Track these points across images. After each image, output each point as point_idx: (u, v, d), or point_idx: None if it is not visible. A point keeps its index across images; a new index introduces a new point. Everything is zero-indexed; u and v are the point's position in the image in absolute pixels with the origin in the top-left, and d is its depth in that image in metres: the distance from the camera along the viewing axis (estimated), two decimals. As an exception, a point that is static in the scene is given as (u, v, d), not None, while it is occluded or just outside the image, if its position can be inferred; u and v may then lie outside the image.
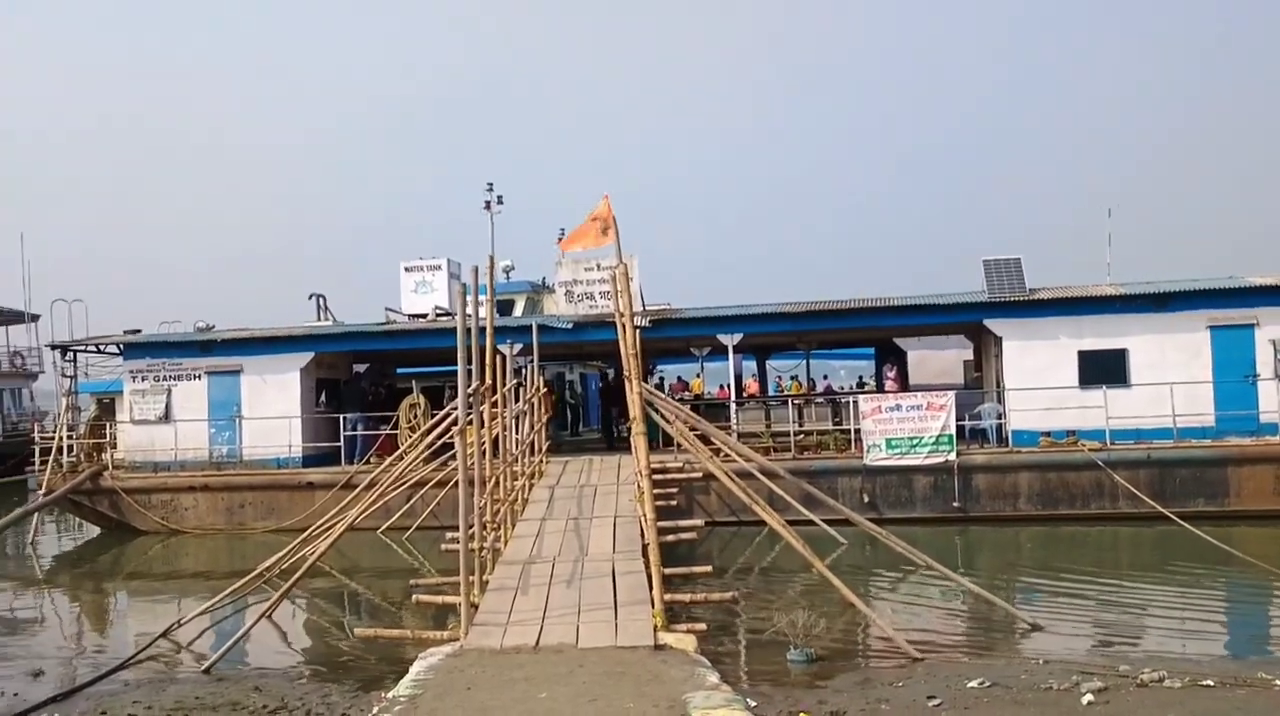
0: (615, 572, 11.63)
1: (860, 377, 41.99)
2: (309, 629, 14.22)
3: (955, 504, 19.14)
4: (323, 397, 24.12)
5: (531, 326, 20.42)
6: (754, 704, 8.15)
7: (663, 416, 17.78)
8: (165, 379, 22.96)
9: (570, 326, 22.05)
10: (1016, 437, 20.01)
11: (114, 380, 24.81)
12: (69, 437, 22.88)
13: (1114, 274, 22.38)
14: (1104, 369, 19.79)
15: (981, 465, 19.44)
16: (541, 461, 19.33)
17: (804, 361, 31.61)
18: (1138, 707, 8.32)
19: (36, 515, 22.55)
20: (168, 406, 22.84)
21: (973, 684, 9.13)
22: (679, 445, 18.66)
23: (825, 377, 40.02)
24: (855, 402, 20.62)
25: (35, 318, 39.56)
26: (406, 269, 25.57)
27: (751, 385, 32.04)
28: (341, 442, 21.96)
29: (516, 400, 16.66)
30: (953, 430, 19.38)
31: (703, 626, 9.97)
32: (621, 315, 13.10)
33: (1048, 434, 19.69)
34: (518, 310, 27.19)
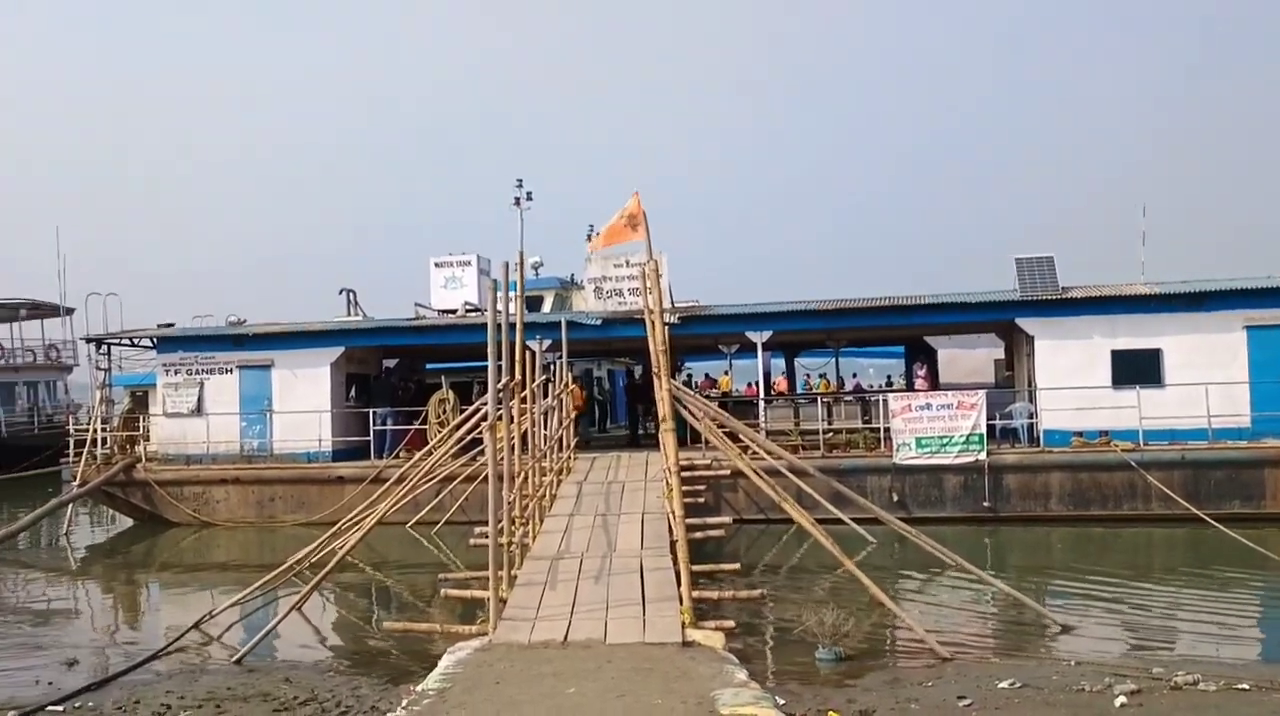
0: (643, 569, 11.63)
1: (889, 376, 41.78)
2: (338, 622, 14.30)
3: (985, 504, 19.00)
4: (353, 392, 24.26)
5: (560, 323, 20.45)
6: (782, 701, 8.11)
7: (691, 413, 17.78)
8: (197, 372, 23.16)
9: (599, 323, 22.06)
10: (1048, 437, 19.84)
11: (147, 373, 25.05)
12: (103, 430, 23.12)
13: (1148, 272, 22.15)
14: (1138, 369, 19.58)
15: (1012, 465, 19.29)
16: (569, 457, 19.36)
17: (833, 359, 31.48)
18: (1172, 711, 8.24)
19: (71, 506, 22.80)
20: (200, 399, 23.03)
21: (1003, 684, 9.06)
22: (707, 442, 18.63)
23: (855, 376, 39.84)
24: (885, 401, 20.51)
25: (70, 311, 39.95)
26: (436, 264, 25.63)
27: (780, 383, 31.96)
28: (371, 437, 22.07)
29: (545, 396, 16.69)
30: (983, 429, 19.24)
31: (731, 623, 9.96)
32: (651, 312, 13.10)
33: (1080, 434, 19.51)
34: (546, 306, 27.24)
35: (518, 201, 30.57)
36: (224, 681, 10.32)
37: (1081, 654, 10.48)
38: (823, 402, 22.36)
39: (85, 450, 22.63)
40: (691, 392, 21.75)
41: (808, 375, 36.01)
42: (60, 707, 9.37)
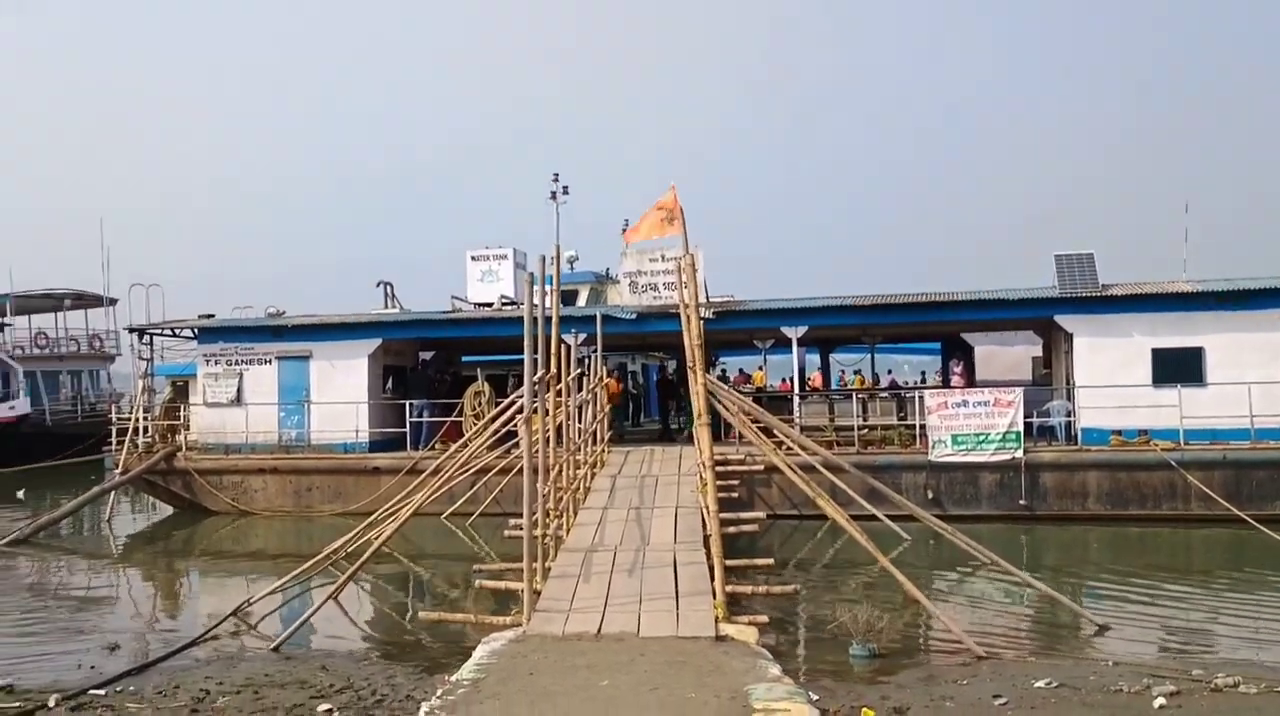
0: (677, 563, 11.65)
1: (923, 372, 41.53)
2: (374, 611, 14.43)
3: (1022, 502, 18.85)
4: (389, 384, 24.44)
5: (595, 316, 20.47)
6: (816, 697, 8.10)
7: (725, 408, 17.75)
8: (237, 363, 23.42)
9: (634, 317, 22.07)
10: (1086, 436, 19.65)
11: (188, 363, 25.34)
12: (144, 419, 23.43)
13: (1191, 270, 21.84)
14: (1179, 367, 19.34)
15: (1049, 463, 19.11)
16: (603, 451, 19.40)
17: (868, 355, 31.32)
18: (1211, 713, 8.16)
19: (113, 494, 23.13)
20: (239, 390, 23.29)
21: (1040, 684, 9.00)
22: (740, 437, 18.60)
23: (889, 372, 39.62)
24: (920, 397, 20.39)
25: (113, 301, 40.51)
26: (473, 258, 25.76)
27: (815, 379, 31.84)
28: (407, 428, 22.21)
29: (579, 389, 16.73)
30: (1020, 427, 19.07)
31: (764, 619, 9.94)
32: (686, 306, 13.09)
33: (1119, 432, 19.30)
34: (581, 300, 27.28)
35: (553, 195, 30.59)
36: (262, 668, 10.44)
37: (1119, 654, 10.39)
38: (858, 398, 22.26)
39: (127, 439, 22.96)
40: (726, 387, 21.71)
41: (843, 371, 35.85)
42: (102, 691, 9.51)
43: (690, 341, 12.42)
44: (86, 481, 24.61)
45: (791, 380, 23.98)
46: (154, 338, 24.81)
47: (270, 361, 23.30)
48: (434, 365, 26.21)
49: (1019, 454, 18.93)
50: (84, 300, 41.39)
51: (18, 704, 9.06)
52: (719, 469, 15.71)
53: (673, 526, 13.83)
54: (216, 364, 23.50)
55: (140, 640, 12.25)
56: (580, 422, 16.27)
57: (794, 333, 21.75)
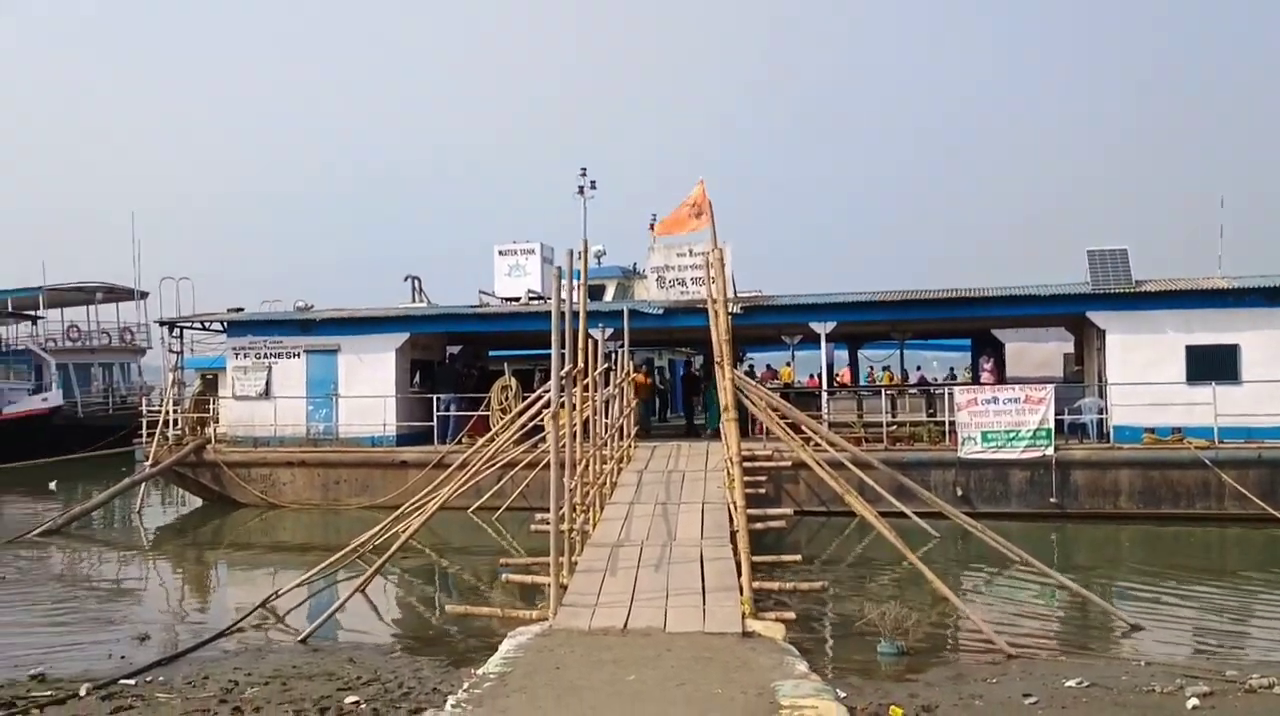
0: (703, 558, 11.60)
1: (951, 369, 41.27)
2: (401, 604, 14.46)
3: (1052, 500, 18.68)
4: (417, 378, 24.52)
5: (622, 311, 20.45)
6: (843, 694, 8.04)
7: (753, 403, 17.68)
8: (266, 356, 23.54)
9: (661, 312, 22.02)
10: (1118, 433, 19.45)
11: (218, 356, 25.50)
12: (174, 411, 23.61)
13: (1225, 267, 21.55)
14: (1213, 364, 19.10)
15: (1081, 461, 18.92)
16: (630, 446, 19.37)
17: (897, 352, 31.14)
18: (1245, 714, 8.03)
19: (143, 485, 23.32)
20: (268, 383, 23.41)
21: (1071, 683, 8.90)
22: (768, 433, 18.53)
23: (919, 369, 39.41)
24: (950, 394, 20.24)
25: (144, 294, 40.88)
26: (500, 252, 25.78)
27: (844, 375, 31.69)
28: (434, 423, 22.27)
29: (606, 384, 16.71)
30: (1051, 424, 18.89)
31: (791, 615, 9.88)
32: (714, 301, 13.03)
33: (1152, 430, 19.09)
34: (608, 295, 27.26)
35: (581, 190, 30.58)
36: (289, 660, 10.49)
37: (1151, 654, 10.25)
38: (887, 395, 22.11)
39: (157, 431, 23.13)
40: (753, 383, 21.63)
41: (871, 367, 35.67)
42: (132, 681, 9.58)
43: (718, 336, 12.37)
44: (117, 473, 24.82)
45: (819, 376, 23.86)
46: (184, 331, 24.99)
47: (299, 355, 23.41)
48: (461, 359, 26.26)
49: (1050, 451, 18.76)
50: (115, 293, 41.80)
51: (49, 692, 9.13)
52: (746, 465, 15.68)
53: (699, 522, 13.79)
54: (245, 357, 23.63)
55: (170, 631, 12.33)
56: (607, 417, 16.24)
57: (822, 328, 21.63)
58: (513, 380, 22.53)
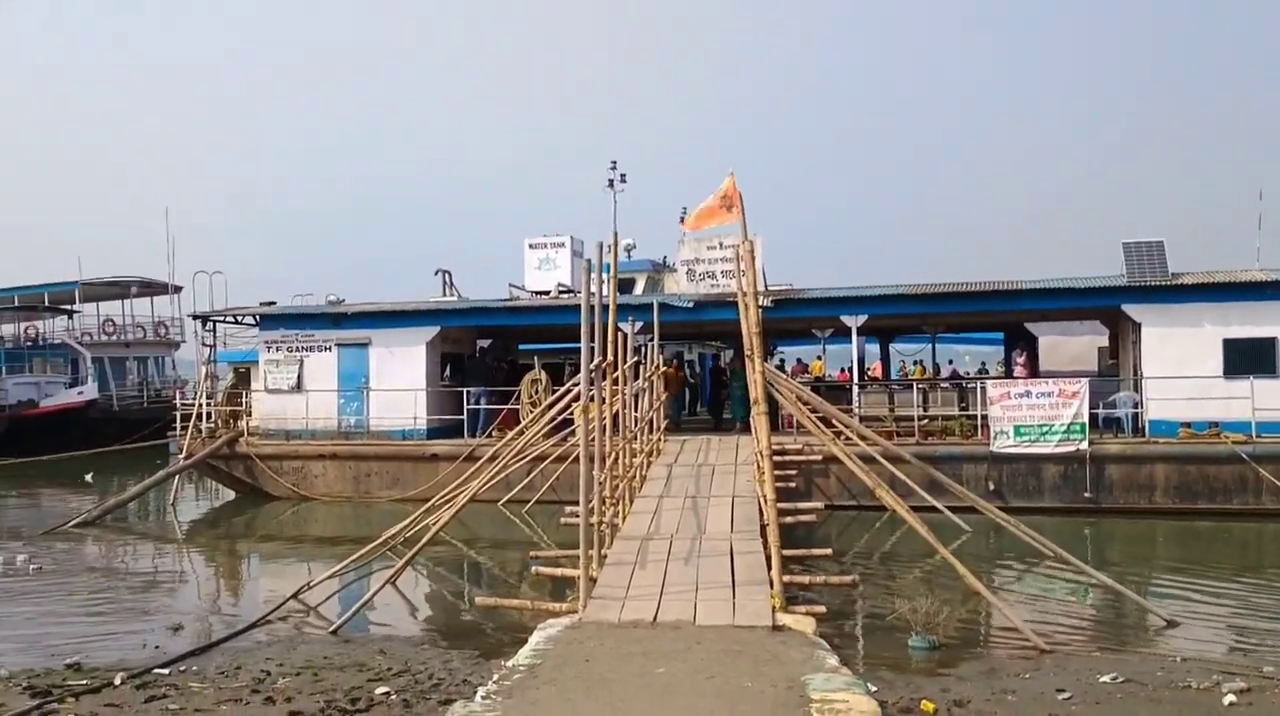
0: (733, 552, 11.56)
1: (983, 363, 40.96)
2: (431, 596, 14.52)
3: (1086, 494, 18.49)
4: (447, 371, 24.59)
5: (652, 305, 20.40)
6: (874, 689, 7.99)
7: (783, 397, 17.60)
8: (298, 350, 23.69)
9: (691, 305, 21.96)
10: (1154, 428, 19.21)
11: (250, 350, 25.69)
12: (208, 405, 23.81)
13: (1264, 259, 21.22)
14: (1251, 358, 18.82)
15: (1115, 455, 18.72)
16: (660, 439, 19.34)
17: (929, 345, 30.93)
18: (1284, 712, 7.91)
19: (177, 478, 23.55)
20: (299, 376, 23.56)
21: (1105, 678, 8.80)
22: (798, 427, 18.45)
23: (950, 362, 39.15)
24: (983, 388, 20.07)
25: (178, 289, 41.27)
26: (531, 246, 25.82)
27: (875, 369, 31.50)
28: (465, 416, 22.33)
29: (636, 378, 16.68)
30: (1085, 418, 18.69)
31: (822, 609, 9.83)
32: (744, 294, 12.98)
33: (1188, 425, 18.86)
34: (638, 288, 27.22)
35: (611, 183, 30.57)
36: (321, 650, 10.55)
37: (1187, 650, 10.12)
38: (918, 388, 21.96)
39: (191, 424, 23.34)
40: (784, 376, 21.54)
41: (903, 361, 35.46)
42: (166, 670, 9.66)
43: (748, 329, 12.31)
44: (152, 465, 25.08)
45: (850, 370, 23.73)
46: (217, 324, 25.18)
47: (330, 348, 23.53)
48: (492, 353, 26.32)
49: (1084, 445, 18.56)
50: (150, 288, 42.20)
51: (85, 681, 9.22)
52: (776, 458, 15.64)
53: (729, 515, 13.74)
54: (277, 351, 23.78)
55: (203, 621, 12.45)
56: (636, 411, 16.22)
57: (853, 321, 21.48)
58: (543, 373, 22.53)
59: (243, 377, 26.59)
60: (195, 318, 25.42)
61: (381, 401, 22.96)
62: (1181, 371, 19.05)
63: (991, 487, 18.63)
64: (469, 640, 11.26)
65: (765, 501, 11.84)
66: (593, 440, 10.72)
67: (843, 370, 30.78)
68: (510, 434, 19.15)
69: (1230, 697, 8.13)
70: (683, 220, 23.99)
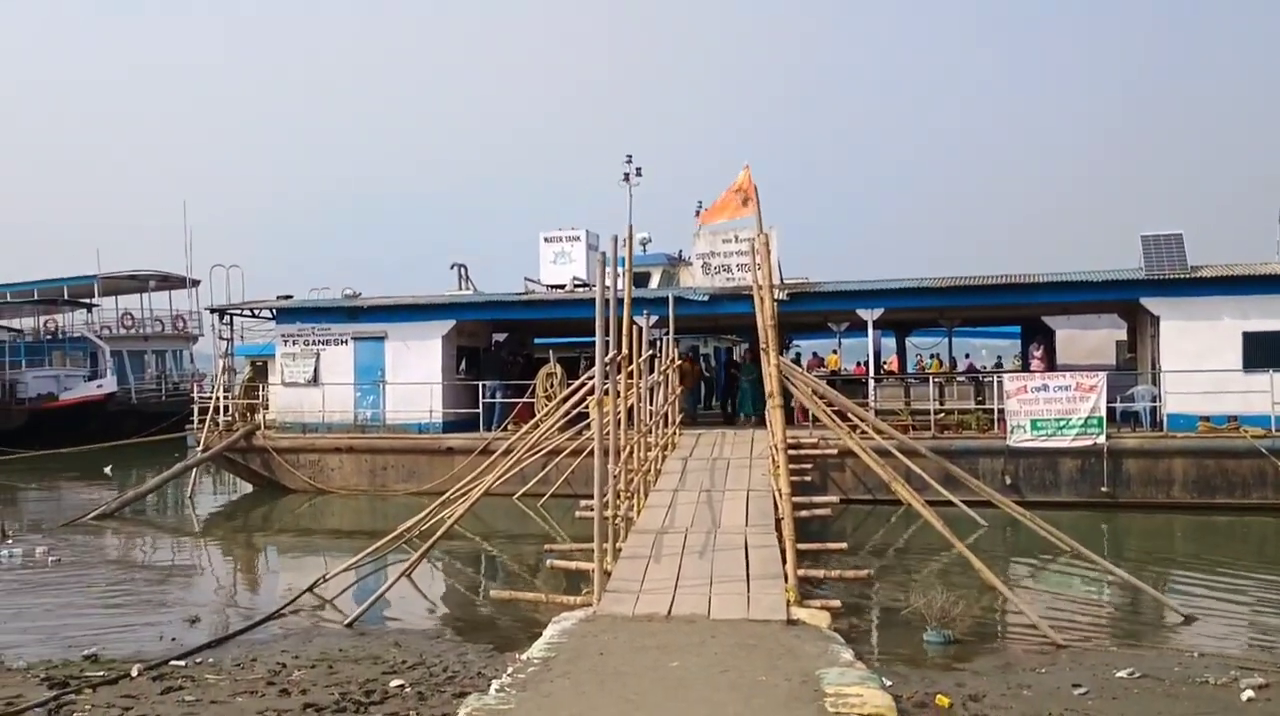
0: (748, 546, 11.54)
1: (999, 357, 40.81)
2: (446, 589, 14.56)
3: (1103, 489, 18.39)
4: (463, 365, 24.63)
5: (668, 298, 20.37)
6: (889, 683, 7.96)
7: (798, 390, 17.55)
8: (314, 343, 23.75)
9: (706, 299, 21.93)
10: (1172, 422, 19.09)
11: (267, 343, 25.78)
12: (225, 398, 23.92)
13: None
14: (1271, 351, 18.66)
15: (1133, 449, 18.61)
16: (675, 433, 19.32)
17: (945, 339, 30.81)
18: (1303, 708, 7.85)
19: (195, 471, 23.67)
20: (316, 370, 23.62)
21: (1121, 673, 8.75)
22: (814, 420, 18.40)
23: (967, 356, 39.00)
24: (999, 382, 19.98)
25: (196, 282, 41.50)
26: (546, 239, 25.82)
27: (891, 363, 31.39)
28: (480, 409, 22.35)
29: (651, 371, 16.67)
30: (1103, 412, 18.59)
31: (836, 603, 9.81)
32: (760, 287, 12.94)
33: (1207, 418, 18.73)
34: (654, 282, 27.20)
35: (626, 177, 30.54)
36: (336, 643, 10.58)
37: (1205, 646, 10.06)
38: (935, 382, 21.88)
39: (208, 417, 23.44)
40: (800, 369, 21.46)
41: (919, 355, 35.33)
42: (183, 662, 9.70)
43: (763, 322, 12.28)
44: (170, 458, 25.19)
45: (866, 364, 23.66)
46: (234, 318, 25.29)
47: (346, 342, 23.59)
48: (507, 347, 26.36)
49: (1101, 439, 18.46)
50: (168, 281, 42.43)
51: (102, 672, 9.27)
52: (791, 452, 15.61)
53: (744, 509, 13.73)
54: (294, 344, 23.86)
55: (220, 613, 12.50)
56: (651, 405, 16.20)
57: (869, 315, 21.41)
58: (558, 367, 22.55)
59: (260, 371, 26.68)
60: (213, 311, 25.53)
61: (397, 395, 23.01)
62: (1200, 365, 18.92)
63: (1008, 482, 18.55)
64: (483, 633, 11.28)
65: (780, 495, 11.83)
66: (607, 434, 10.72)
67: (859, 364, 30.67)
68: (525, 427, 19.18)
69: (1249, 693, 8.08)
70: (698, 214, 23.97)
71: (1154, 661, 9.28)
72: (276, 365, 24.36)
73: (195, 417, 24.08)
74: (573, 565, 12.34)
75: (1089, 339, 27.73)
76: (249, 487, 23.84)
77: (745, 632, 8.51)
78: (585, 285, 24.36)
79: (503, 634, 11.11)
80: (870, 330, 22.03)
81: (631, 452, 13.68)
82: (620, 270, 13.62)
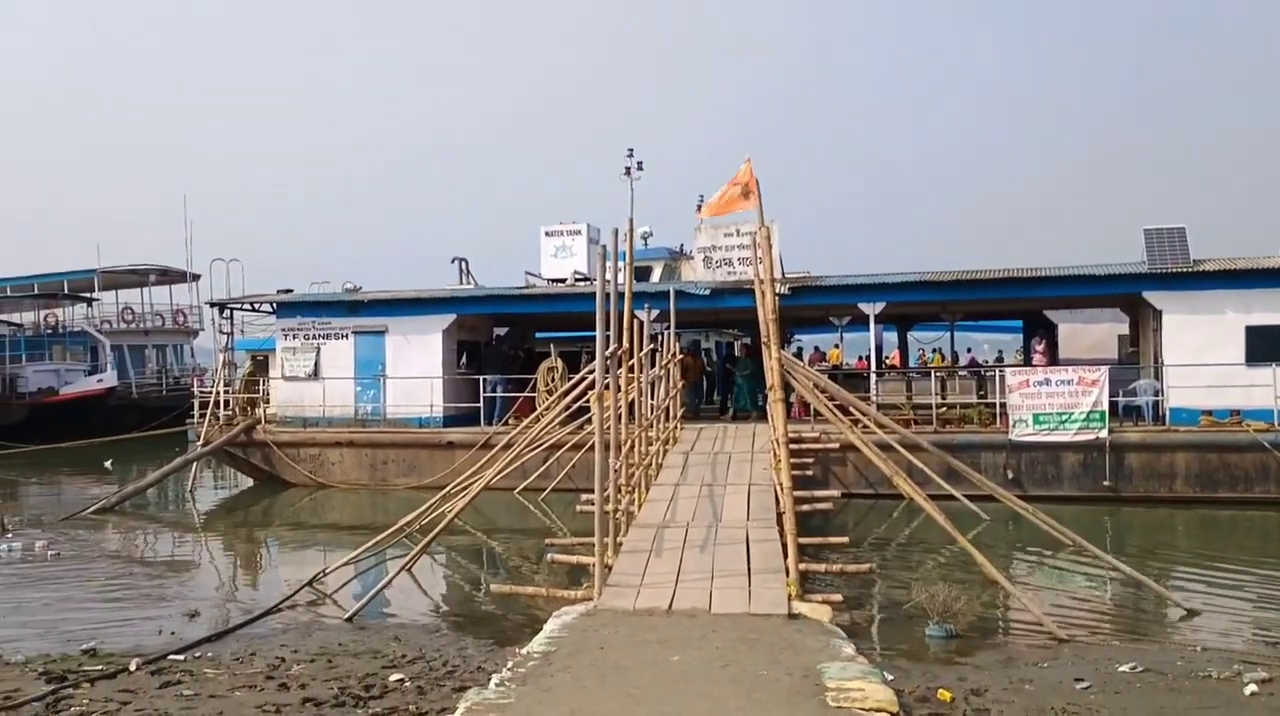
0: (749, 540, 11.51)
1: (1000, 352, 40.75)
2: (446, 583, 14.53)
3: (1106, 483, 18.35)
4: (463, 359, 24.58)
5: (669, 292, 20.33)
6: (891, 677, 7.92)
7: (799, 384, 17.52)
8: (315, 337, 23.71)
9: (708, 293, 21.88)
10: (1175, 416, 19.05)
11: (267, 338, 25.74)
12: (225, 392, 23.88)
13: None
14: (1273, 345, 18.60)
15: (1136, 443, 18.57)
16: (676, 427, 19.28)
17: (947, 333, 30.74)
18: (1307, 702, 7.81)
19: (195, 465, 23.64)
20: (316, 364, 23.58)
21: (1124, 668, 8.72)
22: (816, 415, 18.36)
23: (969, 351, 38.94)
24: (1001, 376, 19.93)
25: (196, 277, 41.44)
26: (547, 233, 25.76)
27: (893, 357, 31.33)
28: (481, 404, 22.31)
29: (652, 365, 16.63)
30: (1105, 406, 18.54)
31: (838, 597, 9.76)
32: (761, 281, 12.90)
33: (1209, 413, 18.68)
34: (655, 276, 27.15)
35: (628, 171, 30.47)
36: (336, 637, 10.56)
37: (1207, 640, 10.03)
38: (936, 376, 21.83)
39: (209, 411, 23.41)
40: (800, 363, 21.45)
41: (921, 350, 35.27)
42: (182, 656, 9.68)
43: (765, 316, 12.24)
44: (170, 452, 25.17)
45: (868, 358, 23.61)
46: (234, 312, 25.24)
47: (347, 336, 23.55)
48: (508, 341, 26.30)
49: (1103, 433, 18.42)
50: (168, 276, 42.37)
51: (101, 666, 9.25)
52: (793, 447, 15.57)
53: (745, 503, 13.69)
54: (294, 338, 23.81)
55: (219, 607, 12.47)
56: (653, 399, 16.17)
57: (871, 309, 21.34)
58: (559, 361, 22.50)
59: (260, 365, 26.65)
60: (213, 305, 25.51)
61: (398, 389, 22.97)
62: (1203, 359, 18.87)
63: (1010, 476, 18.51)
64: (484, 627, 11.26)
65: (782, 489, 11.79)
66: (608, 428, 10.69)
67: (860, 358, 30.61)
68: (526, 422, 19.14)
69: (1251, 687, 8.04)
70: (700, 208, 23.91)
71: (1156, 656, 9.25)
72: (277, 359, 24.32)
73: (196, 412, 24.06)
74: (573, 559, 12.32)
75: (1091, 333, 27.70)
76: (249, 482, 23.81)
77: (746, 627, 8.48)
78: (586, 279, 24.31)
79: (503, 628, 11.08)
80: (872, 324, 21.97)
81: (632, 447, 13.64)
82: (621, 264, 13.58)
